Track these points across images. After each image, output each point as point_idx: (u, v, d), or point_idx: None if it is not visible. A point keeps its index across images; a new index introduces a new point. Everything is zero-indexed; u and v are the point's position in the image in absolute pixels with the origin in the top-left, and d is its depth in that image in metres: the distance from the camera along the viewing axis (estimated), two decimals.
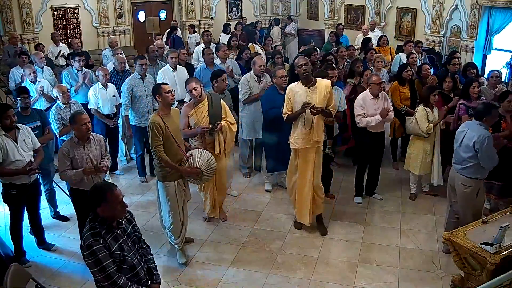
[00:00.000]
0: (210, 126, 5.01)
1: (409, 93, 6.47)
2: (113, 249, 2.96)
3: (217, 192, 5.36)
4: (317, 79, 4.93)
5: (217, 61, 7.35)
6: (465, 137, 4.52)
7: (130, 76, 6.44)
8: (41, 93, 6.48)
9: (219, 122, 5.06)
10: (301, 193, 5.13)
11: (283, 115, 5.02)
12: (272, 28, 12.84)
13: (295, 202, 5.29)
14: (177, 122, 4.64)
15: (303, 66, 4.80)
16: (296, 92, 4.87)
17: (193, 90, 4.98)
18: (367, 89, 5.71)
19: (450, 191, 4.84)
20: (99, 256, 2.90)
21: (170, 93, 4.49)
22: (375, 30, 11.04)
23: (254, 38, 11.30)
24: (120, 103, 6.54)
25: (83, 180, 4.37)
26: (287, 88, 5.01)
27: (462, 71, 6.90)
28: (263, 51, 9.23)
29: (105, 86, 6.39)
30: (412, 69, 6.78)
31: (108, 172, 6.52)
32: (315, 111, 4.70)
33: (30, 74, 6.55)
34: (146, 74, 6.44)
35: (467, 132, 4.53)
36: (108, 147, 4.70)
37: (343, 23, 12.75)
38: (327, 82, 4.99)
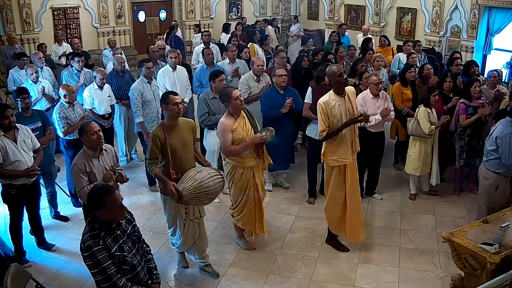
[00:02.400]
0: (265, 135, 4.54)
1: (411, 94, 6.43)
2: (112, 250, 2.95)
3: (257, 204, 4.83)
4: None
5: (226, 60, 7.37)
6: (495, 130, 4.61)
7: (136, 81, 6.28)
8: (42, 93, 6.48)
9: (269, 129, 4.69)
10: (355, 209, 4.73)
11: (320, 133, 4.55)
12: (266, 29, 12.78)
13: (341, 229, 4.84)
14: (186, 135, 4.25)
15: (344, 74, 4.48)
16: (333, 105, 4.47)
17: (240, 97, 4.52)
18: (367, 89, 5.72)
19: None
20: (99, 257, 2.89)
21: (177, 106, 4.15)
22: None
23: (254, 38, 11.31)
24: (115, 103, 6.59)
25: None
26: (320, 104, 4.50)
27: (464, 69, 6.88)
28: (263, 51, 9.23)
29: (100, 87, 6.37)
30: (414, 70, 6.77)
31: None
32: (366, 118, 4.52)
33: (32, 74, 6.55)
34: (152, 77, 6.30)
35: (497, 127, 4.61)
36: (118, 157, 4.49)
37: (344, 23, 12.75)
38: (352, 88, 4.78)
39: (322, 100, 4.53)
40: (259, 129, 4.73)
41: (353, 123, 4.52)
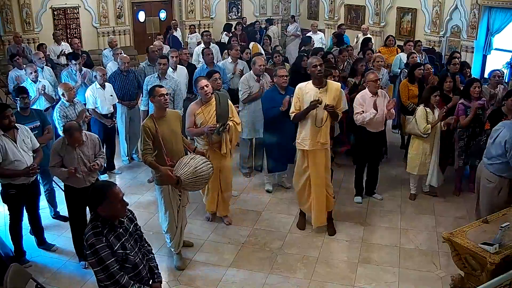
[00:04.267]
0: (217, 125, 4.90)
1: (418, 91, 6.50)
2: (115, 248, 2.95)
3: (222, 189, 5.29)
4: (328, 81, 4.92)
5: (228, 59, 7.39)
6: (499, 135, 4.58)
7: (150, 75, 6.58)
8: (42, 92, 6.48)
9: (227, 122, 4.98)
10: (317, 196, 5.06)
11: (290, 114, 4.95)
12: (268, 29, 12.82)
13: (305, 204, 5.22)
14: (174, 125, 4.53)
15: (318, 67, 4.73)
16: (306, 92, 4.82)
17: (205, 87, 4.89)
18: (366, 88, 5.72)
19: (478, 184, 4.94)
20: (102, 255, 2.89)
21: (163, 97, 4.40)
22: (317, 33, 11.47)
23: (255, 38, 11.30)
24: (117, 102, 6.66)
25: (74, 178, 4.43)
26: (296, 88, 4.94)
27: (458, 70, 6.95)
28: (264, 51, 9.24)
29: (103, 86, 6.39)
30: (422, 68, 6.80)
31: (106, 172, 6.56)
32: (328, 108, 4.67)
33: (31, 73, 6.55)
34: (166, 76, 6.42)
35: (502, 130, 4.58)
36: (101, 145, 4.75)
37: (343, 23, 12.78)
38: (338, 84, 4.98)
39: (299, 85, 4.95)
40: (228, 119, 5.00)
41: (309, 110, 4.75)
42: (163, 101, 4.43)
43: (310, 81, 4.88)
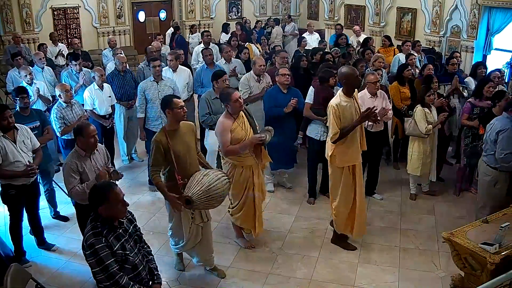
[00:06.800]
0: (264, 135, 4.53)
1: (409, 93, 6.47)
2: (115, 248, 2.95)
3: (256, 204, 4.78)
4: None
5: (222, 61, 7.37)
6: (493, 127, 4.71)
7: (145, 80, 6.30)
8: (38, 94, 6.46)
9: (269, 129, 4.67)
10: (363, 208, 4.84)
11: (333, 136, 4.48)
12: (273, 28, 12.87)
13: (347, 221, 4.83)
14: (188, 138, 4.17)
15: (359, 77, 4.59)
16: (344, 106, 4.46)
17: (239, 99, 4.44)
18: (365, 88, 5.72)
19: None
20: (101, 255, 2.89)
21: (182, 109, 4.04)
22: (313, 33, 11.55)
23: (251, 38, 11.33)
24: (115, 103, 6.64)
25: None
26: (333, 107, 4.46)
27: (472, 70, 6.99)
28: (261, 51, 9.25)
29: (101, 87, 6.37)
30: (412, 69, 6.79)
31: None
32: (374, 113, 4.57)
33: (26, 76, 6.50)
34: (163, 77, 6.24)
35: (495, 123, 4.71)
36: (109, 155, 4.47)
37: (343, 23, 12.81)
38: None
39: (334, 102, 4.50)
40: (258, 129, 4.73)
41: (364, 120, 4.56)
42: (182, 114, 4.06)
43: (339, 94, 4.55)
